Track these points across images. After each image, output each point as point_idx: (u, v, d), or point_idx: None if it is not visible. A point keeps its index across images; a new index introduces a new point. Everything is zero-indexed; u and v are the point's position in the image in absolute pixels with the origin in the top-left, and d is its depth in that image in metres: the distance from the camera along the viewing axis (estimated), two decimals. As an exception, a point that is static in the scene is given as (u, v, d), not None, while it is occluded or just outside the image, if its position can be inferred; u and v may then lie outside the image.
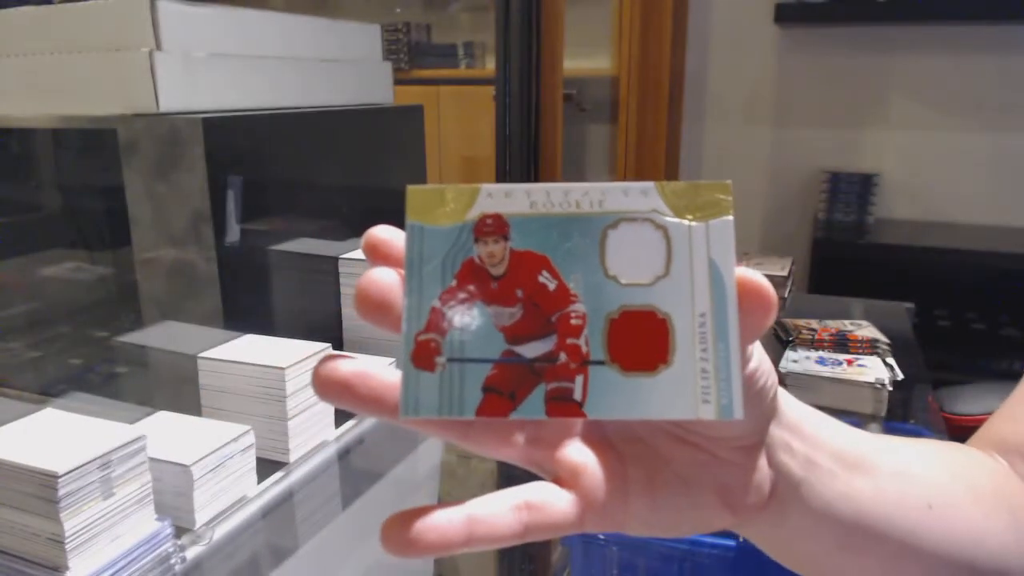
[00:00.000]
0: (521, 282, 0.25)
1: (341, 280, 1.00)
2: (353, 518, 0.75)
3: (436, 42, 3.06)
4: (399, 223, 0.26)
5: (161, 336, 0.87)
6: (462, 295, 0.25)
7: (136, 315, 0.88)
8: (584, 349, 0.24)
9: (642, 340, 0.24)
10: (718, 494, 0.28)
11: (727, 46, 2.44)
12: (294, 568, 0.67)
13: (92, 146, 1.01)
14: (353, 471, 0.82)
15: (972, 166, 2.25)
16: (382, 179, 1.14)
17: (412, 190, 0.25)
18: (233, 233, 0.84)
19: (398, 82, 1.25)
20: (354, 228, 1.07)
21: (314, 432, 0.80)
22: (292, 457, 0.77)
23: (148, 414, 0.73)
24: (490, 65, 2.91)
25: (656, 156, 2.36)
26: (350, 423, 0.85)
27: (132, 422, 0.69)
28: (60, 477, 0.53)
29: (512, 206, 0.25)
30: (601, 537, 0.78)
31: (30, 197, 1.09)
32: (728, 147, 2.51)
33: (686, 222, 0.25)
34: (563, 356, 0.24)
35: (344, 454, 0.82)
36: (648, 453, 0.28)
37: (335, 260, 1.00)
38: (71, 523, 0.54)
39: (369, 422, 0.87)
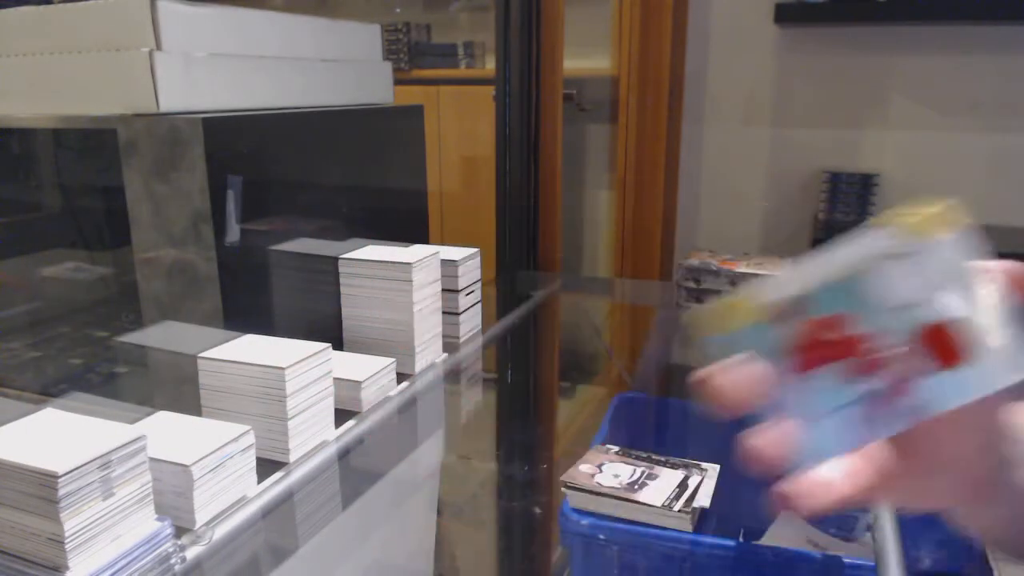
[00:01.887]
0: (832, 343, 0.31)
1: (341, 280, 1.00)
2: (353, 518, 0.75)
3: (436, 42, 3.06)
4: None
5: (161, 336, 0.87)
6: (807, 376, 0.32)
7: (136, 315, 0.88)
8: (907, 368, 0.30)
9: (948, 343, 0.30)
10: (969, 470, 0.34)
11: (727, 46, 2.44)
12: (294, 568, 0.67)
13: (92, 146, 1.01)
14: (353, 471, 0.82)
15: (972, 166, 2.25)
16: (382, 179, 1.14)
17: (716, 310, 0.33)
18: (233, 233, 0.84)
19: (398, 82, 1.25)
20: (354, 228, 1.07)
21: (314, 432, 0.80)
22: (292, 457, 0.77)
23: (148, 414, 0.73)
24: (490, 65, 2.91)
25: (656, 156, 2.35)
26: (350, 423, 0.85)
27: (132, 422, 0.68)
28: (60, 477, 0.53)
29: (788, 290, 0.32)
30: (601, 537, 0.78)
31: (30, 197, 1.09)
32: (728, 147, 2.51)
33: (932, 242, 0.30)
34: (893, 382, 0.30)
35: (344, 454, 0.82)
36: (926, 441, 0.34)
37: (335, 260, 1.00)
38: (71, 523, 0.54)
39: (369, 422, 0.87)
